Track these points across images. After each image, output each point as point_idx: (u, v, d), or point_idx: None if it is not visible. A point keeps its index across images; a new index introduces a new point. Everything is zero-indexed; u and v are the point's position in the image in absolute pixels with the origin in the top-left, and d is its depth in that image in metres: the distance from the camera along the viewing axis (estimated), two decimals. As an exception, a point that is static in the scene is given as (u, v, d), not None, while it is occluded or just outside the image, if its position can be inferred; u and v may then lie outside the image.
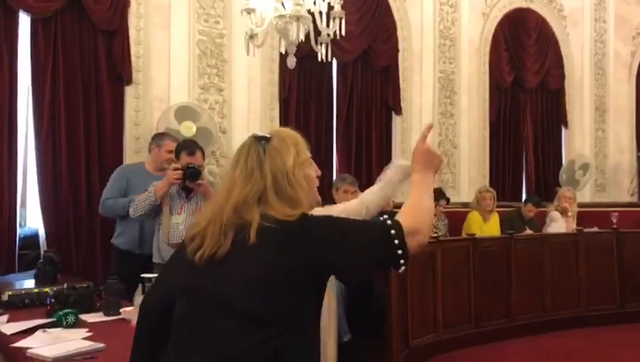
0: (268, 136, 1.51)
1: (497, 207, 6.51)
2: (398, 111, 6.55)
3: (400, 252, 1.35)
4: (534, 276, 5.47)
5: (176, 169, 3.36)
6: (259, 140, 1.49)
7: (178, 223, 3.38)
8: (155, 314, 1.55)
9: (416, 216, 1.41)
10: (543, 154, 7.99)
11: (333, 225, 1.41)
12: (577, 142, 8.25)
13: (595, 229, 6.15)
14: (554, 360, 4.76)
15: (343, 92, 6.23)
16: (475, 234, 5.39)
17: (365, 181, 6.31)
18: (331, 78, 6.22)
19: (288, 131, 1.57)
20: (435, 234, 5.39)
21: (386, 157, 6.54)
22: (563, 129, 8.20)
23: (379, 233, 1.37)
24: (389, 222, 1.37)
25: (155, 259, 3.49)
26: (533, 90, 7.86)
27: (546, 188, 7.71)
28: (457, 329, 4.92)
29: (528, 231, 6.07)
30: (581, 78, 8.28)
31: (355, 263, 1.42)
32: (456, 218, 6.21)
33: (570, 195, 6.44)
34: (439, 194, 5.84)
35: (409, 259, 1.37)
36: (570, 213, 6.26)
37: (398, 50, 6.52)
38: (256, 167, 1.45)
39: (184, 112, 4.78)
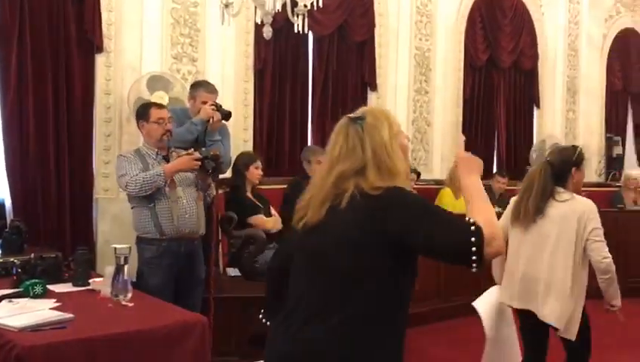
0: (362, 115, 1.65)
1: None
2: (374, 88, 6.53)
3: (475, 258, 1.43)
4: (503, 253, 5.57)
5: (196, 159, 3.39)
6: (354, 120, 1.64)
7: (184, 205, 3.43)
8: (277, 276, 1.82)
9: (491, 224, 1.48)
10: (515, 134, 8.08)
11: (421, 203, 1.55)
12: (548, 122, 8.35)
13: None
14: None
15: (319, 66, 6.17)
16: (446, 211, 5.44)
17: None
18: (307, 51, 6.15)
19: (377, 108, 1.78)
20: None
21: (360, 133, 6.55)
22: (535, 109, 8.28)
23: (462, 233, 1.45)
24: (473, 228, 1.44)
25: (153, 235, 3.43)
26: (507, 69, 7.90)
27: (517, 166, 7.80)
28: (426, 304, 5.00)
29: (497, 209, 6.14)
30: (554, 59, 8.35)
31: (427, 246, 1.50)
32: (428, 195, 6.25)
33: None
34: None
35: (483, 265, 1.46)
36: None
37: (374, 26, 6.46)
38: (357, 144, 1.60)
39: (156, 82, 4.68)
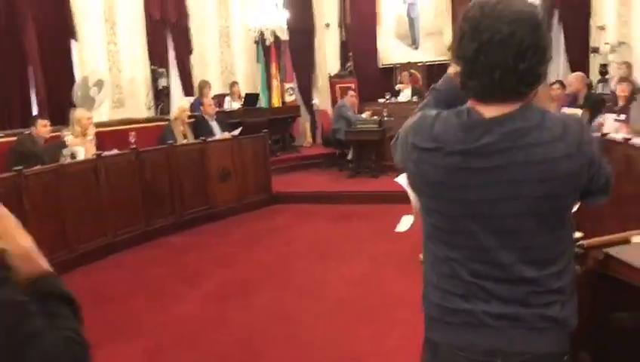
0: None
1: (7, 136, 5.60)
2: None
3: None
4: (52, 211, 4.91)
5: None
6: None
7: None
8: None
9: None
10: (54, 71, 7.20)
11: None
12: (90, 56, 7.73)
13: (115, 152, 5.89)
14: (82, 297, 4.40)
15: None
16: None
17: None
18: None
19: None
20: None
21: None
22: (73, 42, 7.52)
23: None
24: None
25: None
26: (36, -4, 6.87)
27: (61, 109, 7.00)
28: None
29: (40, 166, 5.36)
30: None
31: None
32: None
33: (89, 116, 5.98)
34: None
35: None
36: (90, 137, 5.82)
37: None
38: None
39: None
